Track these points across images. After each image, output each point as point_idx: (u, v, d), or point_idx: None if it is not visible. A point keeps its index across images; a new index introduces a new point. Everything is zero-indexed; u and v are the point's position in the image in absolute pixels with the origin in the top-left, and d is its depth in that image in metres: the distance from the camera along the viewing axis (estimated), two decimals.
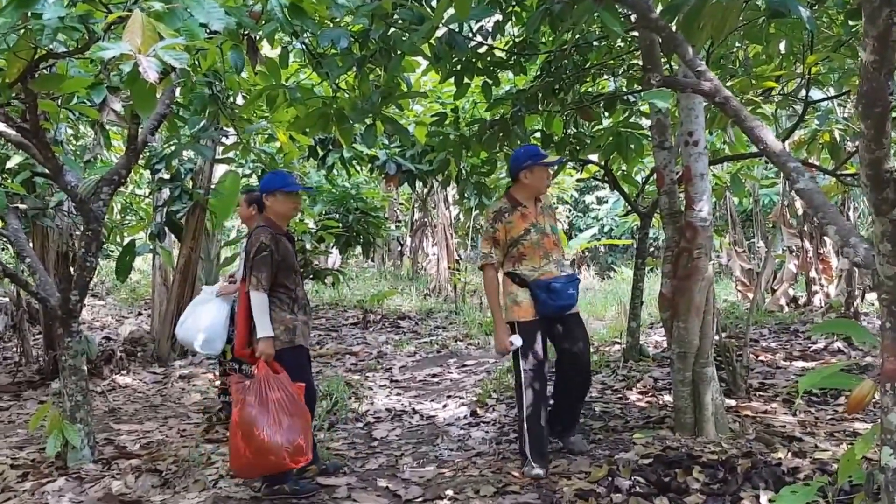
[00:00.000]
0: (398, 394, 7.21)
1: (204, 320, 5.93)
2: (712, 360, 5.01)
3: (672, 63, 5.55)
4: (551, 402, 4.90)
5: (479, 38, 5.55)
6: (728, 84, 5.59)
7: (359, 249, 17.91)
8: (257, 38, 4.62)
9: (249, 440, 4.25)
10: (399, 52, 4.66)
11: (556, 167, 5.63)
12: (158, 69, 2.75)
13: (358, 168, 9.48)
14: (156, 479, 4.80)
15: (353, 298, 13.48)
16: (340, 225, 10.98)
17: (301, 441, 4.28)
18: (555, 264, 4.73)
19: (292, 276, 4.67)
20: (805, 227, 10.22)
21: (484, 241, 4.83)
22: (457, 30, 4.98)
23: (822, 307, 10.09)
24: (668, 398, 5.96)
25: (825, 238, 10.30)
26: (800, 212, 10.19)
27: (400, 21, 4.58)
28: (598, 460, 4.63)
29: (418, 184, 15.63)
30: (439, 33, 4.79)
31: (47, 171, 5.12)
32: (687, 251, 4.85)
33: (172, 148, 5.74)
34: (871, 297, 11.38)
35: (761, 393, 6.06)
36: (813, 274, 10.37)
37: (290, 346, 4.55)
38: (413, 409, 6.60)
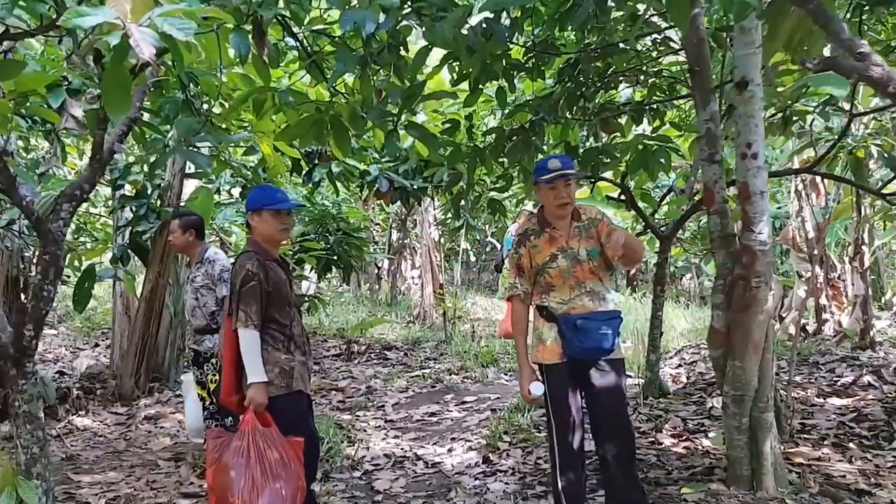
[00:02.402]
0: (395, 436, 6.49)
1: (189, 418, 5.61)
2: (772, 405, 4.38)
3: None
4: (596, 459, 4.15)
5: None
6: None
7: (333, 273, 17.18)
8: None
9: None
10: (426, 45, 4.00)
11: (579, 181, 4.57)
12: (156, 44, 2.06)
13: (346, 185, 8.78)
14: None
15: (332, 327, 12.65)
16: (321, 246, 10.24)
17: None
18: (590, 296, 3.91)
19: (286, 310, 3.98)
20: (815, 252, 9.66)
21: (510, 268, 4.14)
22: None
23: (834, 336, 9.52)
24: (706, 443, 5.34)
25: (836, 263, 9.78)
26: (810, 235, 9.63)
27: (424, 8, 3.91)
28: None
29: (398, 204, 15.01)
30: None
31: None
32: (743, 279, 4.21)
33: (153, 157, 4.99)
34: (881, 324, 10.91)
35: (805, 436, 5.44)
36: (823, 301, 9.81)
37: (286, 391, 3.85)
38: (415, 454, 5.89)
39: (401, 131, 4.88)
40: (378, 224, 19.01)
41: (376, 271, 19.70)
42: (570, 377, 3.90)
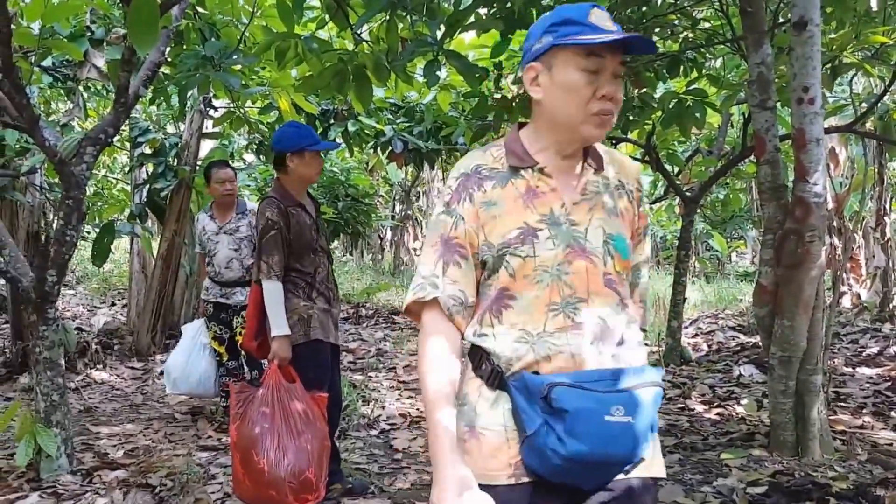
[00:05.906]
0: (409, 397, 6.31)
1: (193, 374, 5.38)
2: (821, 367, 4.18)
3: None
4: None
5: None
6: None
7: (338, 242, 16.93)
8: None
9: (247, 466, 3.36)
10: None
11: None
12: None
13: (361, 146, 8.56)
14: (148, 496, 3.88)
15: (339, 292, 12.52)
16: (332, 212, 10.07)
17: (310, 474, 3.35)
18: (599, 336, 1.58)
19: (309, 257, 3.76)
20: (833, 223, 9.44)
21: (425, 246, 1.74)
22: None
23: (851, 308, 9.35)
24: (739, 409, 5.16)
25: (856, 234, 9.57)
26: (829, 205, 9.40)
27: None
28: (693, 487, 3.78)
29: (401, 172, 14.77)
30: None
31: (18, 123, 4.14)
32: (796, 233, 3.98)
33: (184, 81, 4.75)
34: None
35: (842, 404, 5.27)
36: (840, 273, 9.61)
37: (304, 340, 3.65)
38: None
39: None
40: (381, 196, 18.80)
41: (379, 241, 19.54)
42: None
